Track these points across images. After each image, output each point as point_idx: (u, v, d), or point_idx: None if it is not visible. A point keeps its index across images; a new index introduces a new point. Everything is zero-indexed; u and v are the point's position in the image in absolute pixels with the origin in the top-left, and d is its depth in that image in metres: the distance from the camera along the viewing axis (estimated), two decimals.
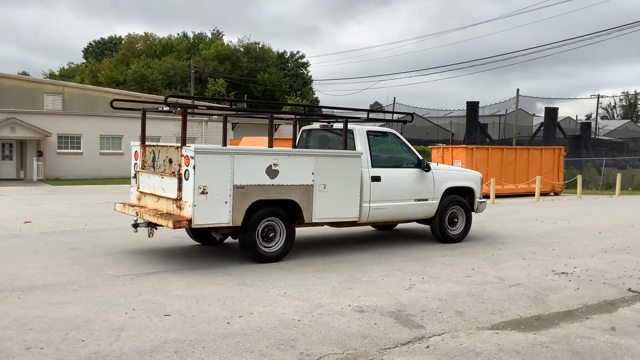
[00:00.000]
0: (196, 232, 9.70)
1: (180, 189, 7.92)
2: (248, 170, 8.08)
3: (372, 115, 11.12)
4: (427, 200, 10.25)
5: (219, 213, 7.88)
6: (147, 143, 9.34)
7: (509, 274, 8.19)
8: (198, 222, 7.76)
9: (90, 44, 76.76)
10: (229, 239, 9.54)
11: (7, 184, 28.24)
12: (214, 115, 12.32)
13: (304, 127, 11.00)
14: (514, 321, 6.02)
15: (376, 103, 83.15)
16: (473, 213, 11.18)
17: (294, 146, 10.65)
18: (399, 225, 12.31)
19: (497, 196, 22.44)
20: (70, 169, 32.93)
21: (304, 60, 67.32)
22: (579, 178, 24.87)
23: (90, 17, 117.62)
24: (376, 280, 7.62)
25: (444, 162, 24.71)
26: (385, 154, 10.21)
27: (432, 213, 10.43)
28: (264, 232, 8.47)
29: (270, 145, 9.06)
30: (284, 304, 6.34)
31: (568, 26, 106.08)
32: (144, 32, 70.70)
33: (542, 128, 43.24)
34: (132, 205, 9.15)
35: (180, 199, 7.94)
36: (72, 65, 75.39)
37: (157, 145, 8.94)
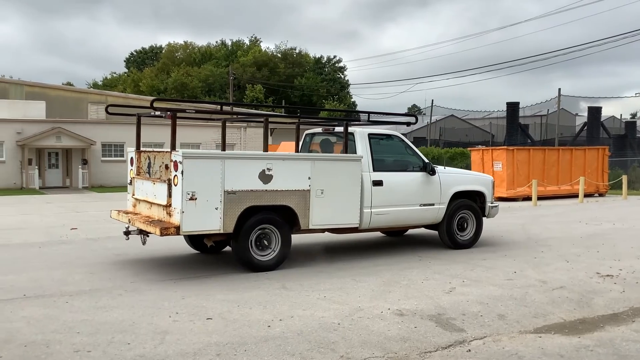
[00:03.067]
0: (194, 240, 9.52)
1: (170, 195, 7.69)
2: (240, 176, 7.82)
3: (377, 118, 10.82)
4: (433, 205, 9.85)
5: (209, 219, 7.62)
6: (142, 149, 9.22)
7: (552, 276, 8.05)
8: (186, 229, 7.52)
9: (132, 53, 78.57)
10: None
11: (54, 192, 29.09)
12: (207, 119, 11.81)
13: (307, 131, 10.76)
14: (558, 325, 5.92)
15: (414, 106, 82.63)
16: (484, 218, 10.75)
17: (297, 150, 10.47)
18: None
19: (540, 198, 22.04)
20: (113, 177, 33.69)
21: (341, 64, 67.43)
22: (624, 178, 24.23)
23: (133, 27, 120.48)
24: (416, 283, 7.60)
25: (484, 164, 24.41)
26: (388, 157, 9.84)
27: (440, 218, 10.03)
28: (258, 240, 8.17)
29: (266, 149, 8.60)
30: (323, 308, 6.38)
31: (610, 24, 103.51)
32: (184, 41, 72.04)
33: (585, 128, 42.27)
34: (127, 213, 9.00)
35: (170, 205, 7.71)
36: (114, 75, 77.23)
37: (153, 151, 8.87)
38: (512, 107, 40.37)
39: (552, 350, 5.13)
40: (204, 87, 59.72)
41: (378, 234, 11.77)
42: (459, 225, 10.28)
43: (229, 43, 72.54)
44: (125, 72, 75.44)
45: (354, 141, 9.30)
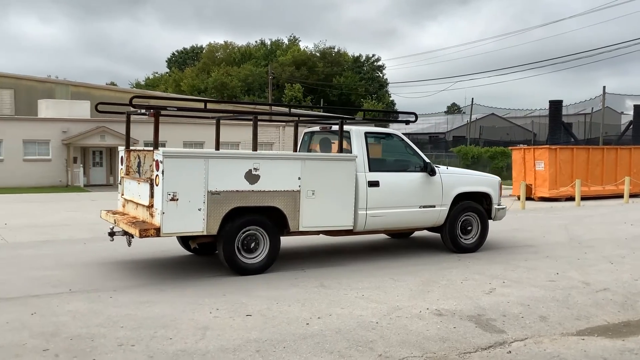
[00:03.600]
0: (186, 241, 9.06)
1: (152, 195, 7.46)
2: (224, 176, 7.55)
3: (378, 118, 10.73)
4: (434, 207, 9.39)
5: (192, 221, 7.37)
6: (132, 148, 9.06)
7: (596, 278, 7.88)
8: (167, 231, 7.27)
9: (173, 53, 79.92)
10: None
11: (98, 189, 29.80)
12: (188, 116, 11.43)
13: (306, 130, 10.43)
14: (601, 327, 5.80)
15: (453, 104, 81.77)
16: (490, 221, 10.22)
17: (295, 149, 10.19)
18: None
19: (583, 198, 21.57)
20: None
21: (380, 63, 67.19)
22: None
23: (175, 27, 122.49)
24: (455, 283, 7.53)
25: (526, 163, 23.99)
26: (386, 156, 9.52)
27: (441, 221, 9.56)
28: (244, 242, 7.88)
29: (255, 148, 8.20)
30: (361, 306, 6.38)
31: None
32: (224, 41, 72.86)
33: (631, 126, 41.13)
34: (115, 213, 8.82)
35: (152, 205, 7.48)
36: (156, 75, 78.61)
37: (143, 151, 8.60)
38: (555, 105, 39.56)
39: (595, 353, 5.03)
40: (244, 87, 60.29)
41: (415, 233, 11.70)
42: (462, 228, 9.80)
43: (268, 43, 73.08)
44: (166, 72, 76.73)
45: (350, 140, 8.95)
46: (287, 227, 8.10)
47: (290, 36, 74.73)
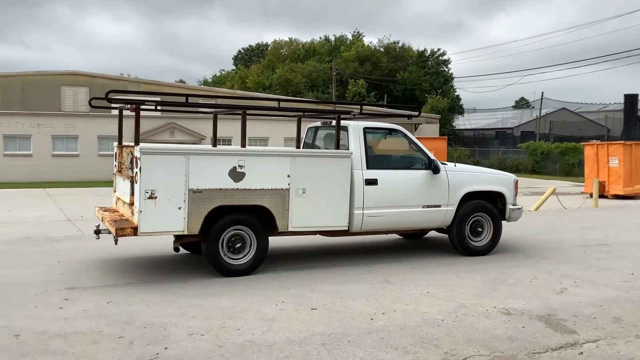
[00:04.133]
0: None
1: (132, 193, 7.20)
2: (207, 173, 7.24)
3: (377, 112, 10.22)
4: (439, 206, 8.80)
5: (172, 220, 7.10)
6: (124, 144, 8.73)
7: None
8: (144, 230, 7.02)
9: (239, 51, 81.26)
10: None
11: None
12: (165, 111, 10.77)
13: (309, 125, 9.86)
14: None
15: (522, 99, 79.60)
16: (504, 222, 9.50)
17: (298, 146, 9.76)
18: (530, 229, 11.77)
19: None
20: None
21: (445, 57, 66.14)
22: None
23: (242, 25, 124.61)
24: (523, 282, 7.36)
25: (599, 160, 23.12)
26: (387, 153, 9.04)
27: (448, 221, 8.97)
28: (230, 242, 7.55)
29: (244, 144, 7.76)
30: (426, 303, 6.34)
31: None
32: (289, 38, 73.44)
33: None
34: (106, 210, 8.60)
35: (133, 203, 7.21)
36: (223, 72, 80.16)
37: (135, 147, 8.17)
38: (630, 100, 37.90)
39: None
40: (307, 83, 60.66)
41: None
42: (472, 230, 9.17)
43: (332, 39, 73.18)
44: (232, 70, 78.13)
45: (347, 136, 8.49)
46: (275, 227, 7.73)
47: (354, 32, 74.48)
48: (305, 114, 9.34)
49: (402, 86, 59.73)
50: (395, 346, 5.02)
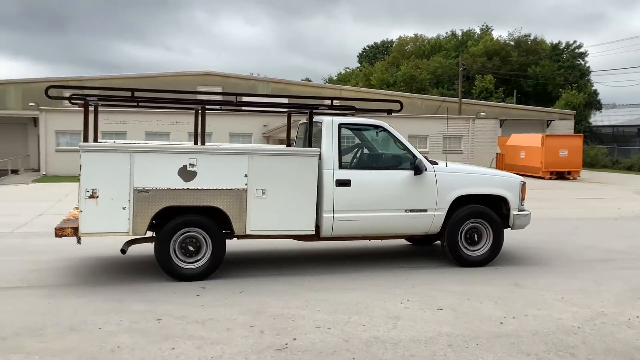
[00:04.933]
0: None
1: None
2: (154, 172, 6.87)
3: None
4: (425, 211, 7.87)
5: (115, 221, 6.77)
6: (100, 142, 8.08)
7: None
8: (85, 230, 6.75)
9: (364, 48, 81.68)
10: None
11: None
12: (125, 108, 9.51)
13: (300, 122, 9.06)
14: None
15: None
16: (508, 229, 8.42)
17: (288, 144, 8.98)
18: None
19: None
20: None
21: (581, 50, 62.32)
22: None
23: (367, 23, 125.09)
24: None
25: None
26: (365, 151, 8.37)
27: (436, 228, 8.01)
28: (183, 245, 7.14)
29: (203, 141, 7.35)
30: (560, 309, 6.03)
31: None
32: (414, 34, 72.79)
33: None
34: (77, 209, 7.99)
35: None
36: (347, 70, 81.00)
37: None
38: None
39: None
40: (432, 80, 59.73)
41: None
42: (468, 238, 8.16)
43: (459, 33, 71.48)
44: (357, 67, 78.71)
45: (320, 132, 7.79)
46: (232, 229, 7.26)
47: (483, 26, 72.22)
48: (275, 109, 8.80)
49: (533, 81, 57.12)
50: (527, 352, 4.83)
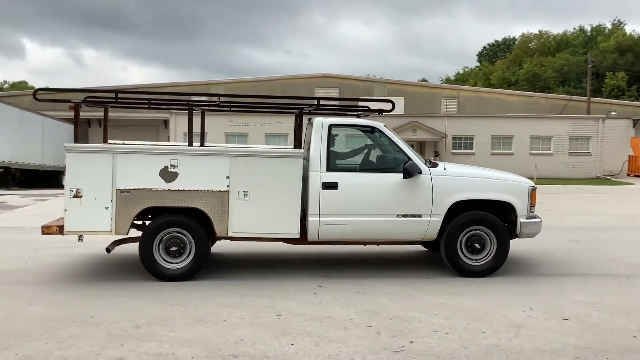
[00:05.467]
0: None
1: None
2: (135, 172, 6.93)
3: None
4: (419, 216, 7.39)
5: (97, 220, 6.90)
6: (109, 142, 8.24)
7: None
8: (69, 229, 6.94)
9: (484, 47, 79.50)
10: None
11: None
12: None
13: (307, 122, 8.56)
14: None
15: None
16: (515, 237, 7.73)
17: (296, 145, 8.21)
18: None
19: None
20: None
21: None
22: None
23: (489, 20, 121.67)
24: None
25: None
26: (355, 153, 7.96)
27: (432, 234, 7.51)
28: (167, 245, 7.13)
29: (190, 142, 7.36)
30: None
31: None
32: (538, 30, 69.77)
33: None
34: None
35: None
36: (466, 70, 79.13)
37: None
38: None
39: None
40: (558, 77, 56.87)
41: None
42: (469, 246, 7.58)
43: (588, 29, 67.55)
44: (476, 66, 76.67)
45: (310, 133, 7.57)
46: (213, 231, 7.18)
47: (614, 20, 67.92)
48: (265, 109, 8.64)
49: None
50: None
